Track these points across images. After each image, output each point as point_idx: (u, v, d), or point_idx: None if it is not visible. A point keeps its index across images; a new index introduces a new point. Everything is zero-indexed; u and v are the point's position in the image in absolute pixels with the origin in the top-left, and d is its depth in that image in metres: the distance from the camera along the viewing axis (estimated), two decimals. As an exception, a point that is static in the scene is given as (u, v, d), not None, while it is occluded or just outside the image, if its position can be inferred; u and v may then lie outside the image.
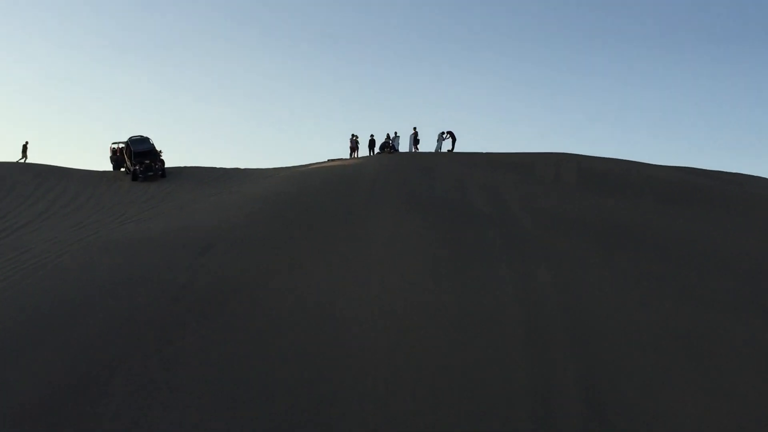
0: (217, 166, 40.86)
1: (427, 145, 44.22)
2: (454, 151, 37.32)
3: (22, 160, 42.69)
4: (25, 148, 42.89)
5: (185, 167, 40.90)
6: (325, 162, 36.55)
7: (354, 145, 38.80)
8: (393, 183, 24.80)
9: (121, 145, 40.94)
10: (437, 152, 36.92)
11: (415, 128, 38.31)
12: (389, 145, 37.24)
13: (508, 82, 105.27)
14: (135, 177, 36.91)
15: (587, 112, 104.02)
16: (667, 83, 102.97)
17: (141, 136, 39.24)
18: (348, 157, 38.62)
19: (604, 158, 31.49)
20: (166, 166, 39.78)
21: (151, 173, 37.07)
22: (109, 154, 41.94)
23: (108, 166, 41.67)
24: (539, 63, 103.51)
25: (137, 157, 37.63)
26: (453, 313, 11.69)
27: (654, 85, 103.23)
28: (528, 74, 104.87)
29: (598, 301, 12.32)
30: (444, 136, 37.70)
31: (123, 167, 40.54)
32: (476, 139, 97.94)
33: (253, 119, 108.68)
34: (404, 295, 12.71)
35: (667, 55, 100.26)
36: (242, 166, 41.13)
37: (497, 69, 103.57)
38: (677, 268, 14.62)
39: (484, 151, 34.54)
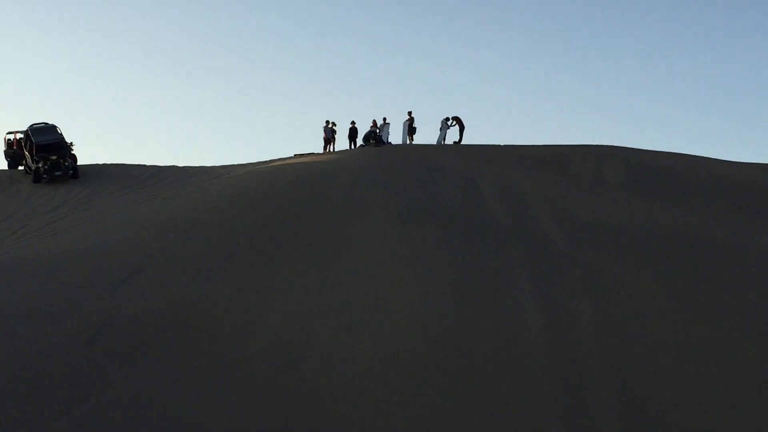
0: (148, 163, 40.77)
1: (426, 135, 44.31)
2: (463, 142, 37.45)
3: None
4: None
5: (105, 165, 40.79)
6: (290, 158, 36.54)
7: (329, 136, 38.85)
8: (381, 185, 24.83)
9: (19, 136, 40.74)
10: (440, 144, 37.02)
11: (410, 113, 38.38)
12: (376, 135, 37.28)
13: (531, 55, 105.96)
14: (38, 178, 36.73)
15: (636, 92, 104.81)
16: (742, 56, 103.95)
17: (45, 123, 39.01)
18: (321, 151, 38.66)
19: (659, 152, 31.70)
20: (80, 163, 39.61)
21: (59, 173, 36.88)
22: (2, 147, 41.72)
23: (2, 163, 41.49)
24: (570, 28, 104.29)
25: (41, 151, 37.42)
26: (462, 360, 11.70)
27: (727, 58, 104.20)
28: (557, 44, 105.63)
29: (653, 341, 12.37)
30: (449, 123, 37.87)
31: (22, 165, 40.34)
32: (491, 127, 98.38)
33: (195, 103, 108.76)
34: (397, 335, 12.71)
35: (745, 20, 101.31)
36: (181, 164, 40.99)
37: (516, 36, 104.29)
38: (760, 298, 14.70)
39: (501, 144, 34.70)
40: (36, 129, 38.47)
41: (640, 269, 16.22)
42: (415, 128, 38.38)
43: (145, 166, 40.02)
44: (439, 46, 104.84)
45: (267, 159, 38.83)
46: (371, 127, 37.88)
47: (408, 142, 38.06)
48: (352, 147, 38.45)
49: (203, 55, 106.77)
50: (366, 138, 37.35)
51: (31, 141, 37.92)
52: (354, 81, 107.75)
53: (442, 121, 37.94)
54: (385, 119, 38.14)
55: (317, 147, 40.12)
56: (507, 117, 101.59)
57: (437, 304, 14.12)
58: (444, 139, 37.77)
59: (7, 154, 41.18)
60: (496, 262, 16.70)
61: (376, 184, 25.09)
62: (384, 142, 36.99)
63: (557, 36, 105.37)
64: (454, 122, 37.84)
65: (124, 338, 12.99)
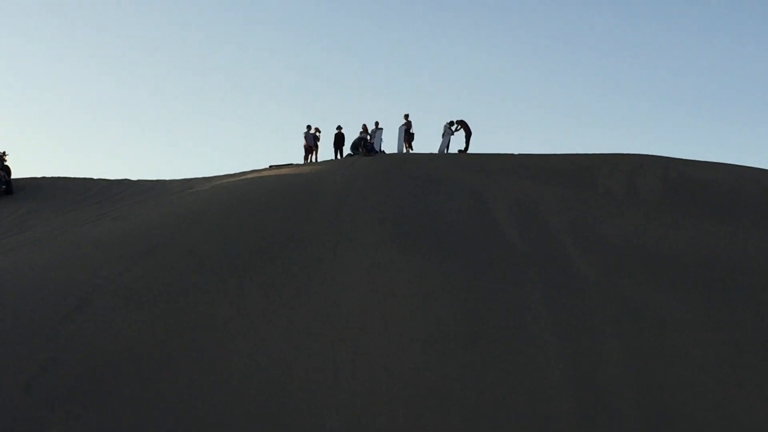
0: (96, 176, 40.68)
1: (427, 142, 44.30)
2: (469, 151, 37.49)
3: None
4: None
5: (45, 179, 40.66)
6: (265, 170, 36.51)
7: (311, 143, 38.88)
8: (372, 202, 24.86)
9: (-60, 144, 40.64)
10: (443, 153, 37.06)
11: (407, 117, 38.42)
12: (366, 142, 37.31)
13: (548, 48, 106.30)
14: (-37, 194, 36.59)
15: (674, 93, 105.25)
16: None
17: None
18: (302, 161, 38.64)
19: (702, 162, 31.76)
20: (14, 176, 39.50)
21: (-10, 188, 36.78)
22: None
23: None
24: (597, 17, 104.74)
25: (-34, 162, 37.36)
26: (469, 413, 11.72)
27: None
28: (579, 35, 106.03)
29: (694, 388, 12.39)
30: (453, 128, 37.94)
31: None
32: (502, 133, 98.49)
33: (150, 106, 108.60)
34: (392, 381, 12.72)
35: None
36: (134, 177, 40.92)
37: (531, 27, 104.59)
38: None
39: (515, 153, 34.73)
40: None
41: (680, 301, 16.26)
42: (413, 134, 38.37)
43: (92, 180, 39.85)
44: (441, 39, 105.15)
45: (236, 171, 38.69)
46: (361, 133, 37.84)
47: (405, 150, 38.07)
48: (338, 157, 38.43)
49: (158, 49, 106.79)
50: (354, 146, 37.30)
51: (-46, 151, 37.90)
52: (340, 79, 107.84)
53: (445, 126, 37.98)
54: (377, 124, 38.14)
55: (297, 157, 40.11)
56: (521, 121, 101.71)
57: (439, 344, 14.14)
58: (447, 147, 37.78)
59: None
60: (510, 294, 16.74)
61: (367, 200, 25.12)
62: (376, 151, 36.97)
63: (580, 26, 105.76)
64: (459, 127, 37.88)
65: (67, 384, 12.97)
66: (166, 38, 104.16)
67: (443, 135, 37.97)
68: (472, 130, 37.93)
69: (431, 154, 36.58)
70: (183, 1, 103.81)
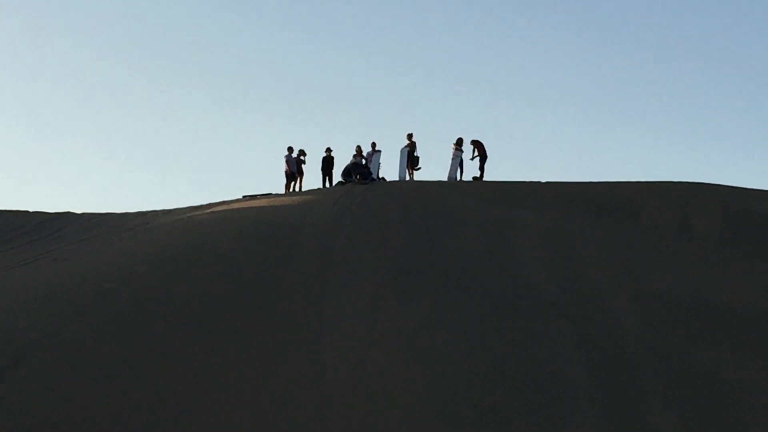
0: (33, 209, 40.72)
1: (435, 167, 44.37)
2: (485, 178, 37.53)
3: None
4: None
5: (-31, 211, 40.71)
6: (238, 201, 36.57)
7: (294, 169, 38.94)
8: (370, 240, 24.89)
9: None
10: (453, 180, 37.11)
11: (410, 137, 38.51)
12: (361, 168, 37.32)
13: (581, 56, 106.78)
14: None
15: (736, 110, 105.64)
16: None
17: None
18: (283, 191, 38.69)
19: (770, 192, 31.89)
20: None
21: None
22: None
23: None
24: (647, 19, 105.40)
25: None
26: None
27: None
28: (622, 42, 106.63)
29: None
30: (463, 147, 37.93)
31: None
32: (526, 156, 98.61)
33: (100, 124, 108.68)
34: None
35: None
36: (79, 210, 40.97)
37: (562, 31, 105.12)
38: None
39: (542, 180, 34.80)
40: None
41: (741, 362, 16.26)
42: (417, 158, 38.49)
43: (27, 213, 39.95)
44: (453, 42, 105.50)
45: (203, 203, 38.73)
46: (355, 156, 37.92)
47: (408, 176, 38.15)
48: (327, 185, 38.52)
49: (106, 56, 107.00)
50: (347, 172, 37.30)
51: None
52: (330, 91, 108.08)
53: (455, 147, 37.99)
54: (374, 145, 38.25)
55: (277, 185, 40.12)
56: (549, 143, 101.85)
57: (450, 414, 14.10)
58: (459, 173, 37.81)
59: None
60: (537, 351, 16.71)
61: (362, 239, 25.16)
62: (373, 178, 36.96)
63: (625, 30, 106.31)
64: (473, 149, 37.89)
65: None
66: (115, 46, 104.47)
67: (452, 158, 37.92)
68: (487, 153, 37.93)
69: (440, 182, 36.62)
70: (139, 8, 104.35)
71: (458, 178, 37.46)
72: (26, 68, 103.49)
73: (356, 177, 36.70)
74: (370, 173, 36.82)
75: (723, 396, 14.88)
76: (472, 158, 37.74)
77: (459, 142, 37.79)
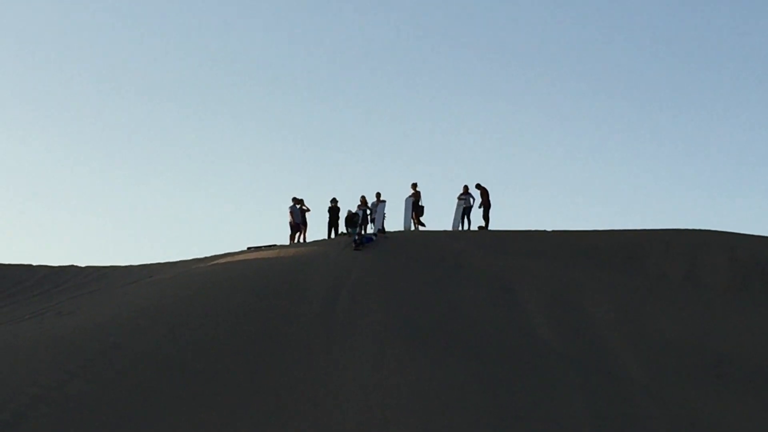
0: (36, 263, 40.75)
1: (439, 216, 44.33)
2: (490, 227, 37.48)
3: None
4: None
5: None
6: (243, 253, 36.55)
7: (299, 220, 38.90)
8: (374, 293, 24.85)
9: None
10: (458, 230, 37.07)
11: (415, 186, 38.49)
12: (364, 218, 37.06)
13: (585, 99, 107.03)
14: None
15: (744, 152, 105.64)
16: None
17: None
18: (288, 242, 38.68)
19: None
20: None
21: None
22: None
23: None
24: (650, 55, 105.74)
25: None
26: None
27: None
28: (625, 80, 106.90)
29: None
30: (469, 201, 37.76)
31: None
32: (531, 205, 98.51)
33: (102, 177, 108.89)
34: None
35: None
36: (83, 263, 41.02)
37: (562, 74, 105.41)
38: None
39: (548, 229, 34.78)
40: None
41: (750, 414, 16.21)
42: (422, 207, 38.41)
43: (30, 266, 39.98)
44: (455, 91, 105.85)
45: (208, 255, 38.77)
46: (359, 206, 37.75)
47: (413, 227, 38.12)
48: (332, 236, 38.50)
49: (105, 101, 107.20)
50: (350, 221, 37.05)
51: None
52: (335, 142, 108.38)
53: (461, 195, 37.89)
54: (378, 195, 38.17)
55: (281, 237, 40.05)
56: (553, 190, 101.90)
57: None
58: (463, 221, 37.72)
59: None
60: (545, 404, 16.69)
61: (368, 291, 25.15)
62: (370, 238, 35.84)
63: (629, 77, 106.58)
64: (479, 193, 37.63)
65: None
66: (114, 90, 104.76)
67: (457, 207, 37.77)
68: (491, 201, 37.73)
69: (445, 231, 36.62)
70: (134, 40, 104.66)
71: (461, 227, 37.32)
72: (31, 118, 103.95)
73: (354, 233, 36.55)
74: (366, 239, 35.93)
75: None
76: (480, 205, 37.59)
77: (465, 190, 37.75)
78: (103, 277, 36.19)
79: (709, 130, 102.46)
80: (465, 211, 37.64)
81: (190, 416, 16.83)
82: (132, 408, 17.34)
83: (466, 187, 37.81)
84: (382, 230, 36.26)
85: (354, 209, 37.22)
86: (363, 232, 36.33)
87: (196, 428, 16.24)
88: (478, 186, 37.67)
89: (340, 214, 38.62)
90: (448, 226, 37.90)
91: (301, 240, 38.60)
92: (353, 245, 27.53)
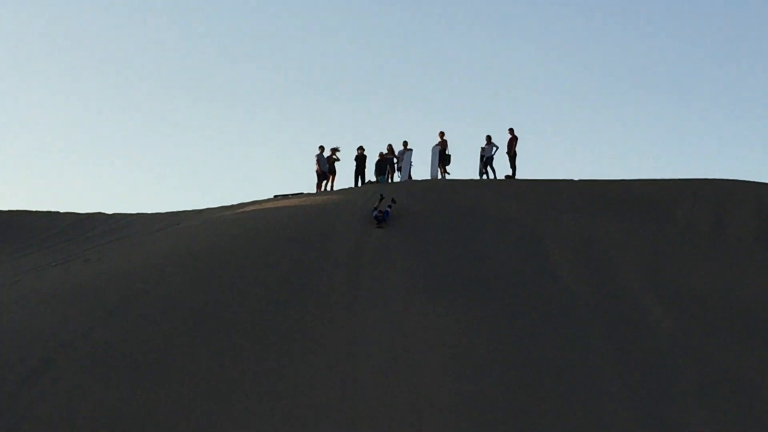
0: (63, 210, 40.84)
1: (467, 165, 43.91)
2: (516, 176, 37.23)
3: None
4: None
5: (1, 213, 40.92)
6: (269, 201, 36.44)
7: (325, 169, 38.69)
8: (400, 242, 24.79)
9: None
10: (485, 179, 36.87)
11: (442, 135, 38.19)
12: (391, 166, 36.88)
13: (614, 45, 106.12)
14: None
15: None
16: None
17: None
18: (314, 190, 38.54)
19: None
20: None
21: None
22: None
23: None
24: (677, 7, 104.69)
25: None
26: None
27: None
28: (654, 28, 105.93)
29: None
30: (491, 150, 37.37)
31: None
32: (559, 153, 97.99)
33: (130, 123, 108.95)
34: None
35: None
36: (110, 210, 41.08)
37: (588, 19, 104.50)
38: None
39: (575, 178, 34.53)
40: None
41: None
42: (449, 156, 38.12)
43: (58, 213, 40.06)
44: (484, 41, 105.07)
45: (234, 203, 38.66)
46: (386, 154, 37.55)
47: (440, 175, 37.88)
48: (359, 184, 38.33)
49: (136, 52, 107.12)
50: (381, 166, 36.75)
51: None
52: (361, 90, 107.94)
53: (486, 144, 37.53)
54: (405, 144, 37.96)
55: (308, 185, 39.91)
56: (582, 139, 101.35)
57: (481, 419, 14.09)
58: (489, 168, 37.43)
59: None
60: (570, 355, 16.68)
61: (393, 240, 25.09)
62: (389, 209, 34.64)
63: (660, 25, 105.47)
64: (511, 138, 37.18)
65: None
66: (145, 41, 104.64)
67: (482, 155, 37.41)
68: (517, 150, 37.36)
69: (472, 180, 36.39)
70: (166, 3, 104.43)
71: (488, 175, 37.03)
72: (58, 66, 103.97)
73: (382, 176, 36.39)
74: (386, 215, 35.13)
75: (758, 396, 14.81)
76: (508, 153, 37.26)
77: (488, 140, 37.43)
78: (130, 224, 36.23)
79: (739, 78, 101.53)
80: (487, 160, 37.38)
81: (215, 364, 16.90)
82: (158, 355, 17.43)
83: (488, 137, 37.53)
84: (409, 178, 36.19)
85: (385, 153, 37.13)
86: (390, 180, 36.29)
87: (220, 376, 16.31)
88: (510, 131, 37.31)
89: (367, 163, 38.47)
90: (475, 176, 37.68)
91: (329, 188, 38.45)
92: (375, 223, 27.14)
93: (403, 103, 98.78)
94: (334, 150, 38.67)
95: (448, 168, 38.14)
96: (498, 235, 25.62)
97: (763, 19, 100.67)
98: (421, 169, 38.60)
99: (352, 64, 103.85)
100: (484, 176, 36.92)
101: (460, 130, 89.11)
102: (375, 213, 26.32)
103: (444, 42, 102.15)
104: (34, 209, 41.31)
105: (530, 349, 16.99)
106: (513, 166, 37.35)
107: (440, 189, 32.87)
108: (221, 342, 18.03)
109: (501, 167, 37.56)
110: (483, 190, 32.46)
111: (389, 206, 26.04)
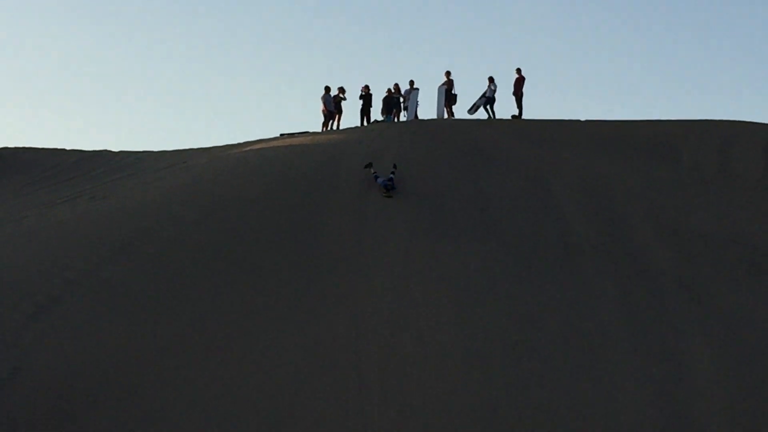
0: (69, 147, 40.85)
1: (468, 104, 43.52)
2: (523, 116, 37.14)
3: None
4: None
5: (6, 149, 40.93)
6: (275, 140, 36.42)
7: (331, 108, 38.63)
8: (407, 183, 24.77)
9: None
10: (493, 118, 36.81)
11: (448, 74, 38.08)
12: (398, 105, 36.88)
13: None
14: None
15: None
16: None
17: None
18: (320, 129, 38.52)
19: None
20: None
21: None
22: None
23: None
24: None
25: None
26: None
27: None
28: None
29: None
30: (490, 91, 37.23)
31: None
32: (565, 94, 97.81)
33: (136, 61, 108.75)
34: (426, 405, 12.75)
35: None
36: (116, 148, 41.10)
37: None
38: None
39: (581, 119, 34.46)
40: None
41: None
42: (455, 96, 38.03)
43: (64, 151, 40.06)
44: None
45: (240, 141, 38.68)
46: (392, 93, 37.51)
47: (446, 115, 37.80)
48: (364, 123, 38.27)
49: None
50: (387, 106, 36.70)
51: None
52: (366, 28, 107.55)
53: (488, 86, 37.39)
54: (411, 83, 37.88)
55: (314, 124, 39.90)
56: (587, 80, 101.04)
57: (485, 358, 14.15)
58: (488, 109, 37.28)
59: None
60: (575, 296, 16.71)
61: (401, 180, 25.09)
62: (392, 184, 33.87)
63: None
64: (516, 82, 37.06)
65: (29, 401, 13.08)
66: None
67: (481, 97, 37.35)
68: (523, 91, 37.25)
69: (478, 120, 36.29)
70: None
71: (490, 115, 36.96)
72: (65, 0, 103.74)
73: (377, 178, 36.22)
74: (393, 186, 34.60)
75: (760, 336, 14.86)
76: (514, 93, 37.13)
77: (490, 80, 37.30)
78: (137, 162, 36.22)
79: (744, 17, 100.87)
80: (488, 101, 37.28)
81: (220, 301, 16.96)
82: (164, 292, 17.50)
83: (491, 78, 37.43)
84: (415, 117, 36.16)
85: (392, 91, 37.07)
86: (396, 119, 36.27)
87: (226, 313, 16.37)
88: (518, 71, 37.14)
89: (372, 102, 38.39)
90: (483, 115, 37.61)
91: (335, 127, 38.41)
92: (383, 191, 26.68)
93: (410, 43, 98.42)
94: (341, 90, 38.62)
95: (454, 108, 38.11)
96: (503, 174, 25.59)
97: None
98: (428, 108, 38.51)
99: (359, 3, 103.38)
100: (473, 114, 36.99)
101: (467, 70, 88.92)
102: (383, 181, 25.92)
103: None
104: (40, 146, 41.33)
105: (534, 287, 17.02)
106: (520, 107, 37.24)
107: (446, 128, 32.79)
108: (228, 279, 18.09)
109: (508, 107, 37.48)
110: (489, 129, 32.37)
111: (392, 172, 25.91)
